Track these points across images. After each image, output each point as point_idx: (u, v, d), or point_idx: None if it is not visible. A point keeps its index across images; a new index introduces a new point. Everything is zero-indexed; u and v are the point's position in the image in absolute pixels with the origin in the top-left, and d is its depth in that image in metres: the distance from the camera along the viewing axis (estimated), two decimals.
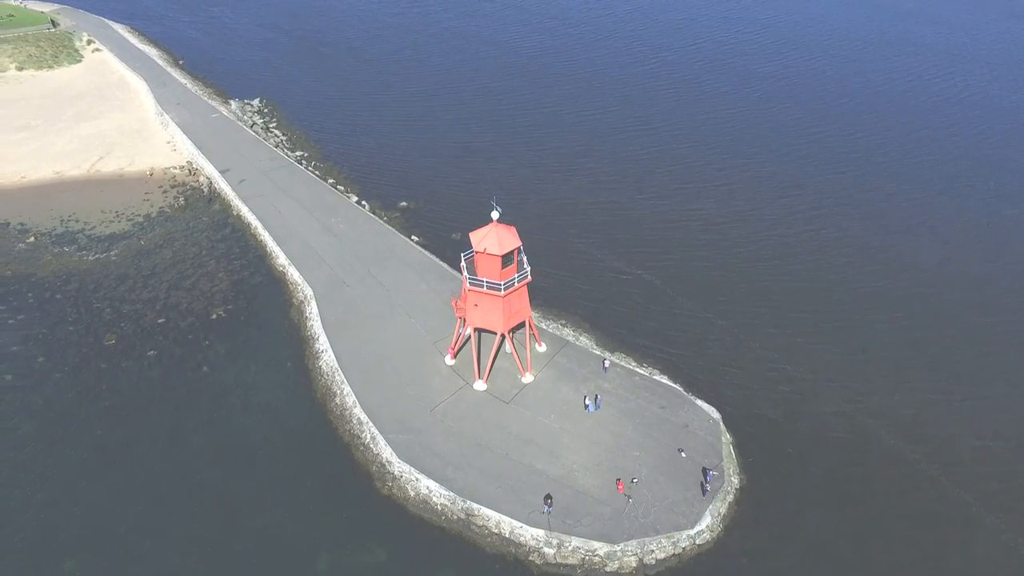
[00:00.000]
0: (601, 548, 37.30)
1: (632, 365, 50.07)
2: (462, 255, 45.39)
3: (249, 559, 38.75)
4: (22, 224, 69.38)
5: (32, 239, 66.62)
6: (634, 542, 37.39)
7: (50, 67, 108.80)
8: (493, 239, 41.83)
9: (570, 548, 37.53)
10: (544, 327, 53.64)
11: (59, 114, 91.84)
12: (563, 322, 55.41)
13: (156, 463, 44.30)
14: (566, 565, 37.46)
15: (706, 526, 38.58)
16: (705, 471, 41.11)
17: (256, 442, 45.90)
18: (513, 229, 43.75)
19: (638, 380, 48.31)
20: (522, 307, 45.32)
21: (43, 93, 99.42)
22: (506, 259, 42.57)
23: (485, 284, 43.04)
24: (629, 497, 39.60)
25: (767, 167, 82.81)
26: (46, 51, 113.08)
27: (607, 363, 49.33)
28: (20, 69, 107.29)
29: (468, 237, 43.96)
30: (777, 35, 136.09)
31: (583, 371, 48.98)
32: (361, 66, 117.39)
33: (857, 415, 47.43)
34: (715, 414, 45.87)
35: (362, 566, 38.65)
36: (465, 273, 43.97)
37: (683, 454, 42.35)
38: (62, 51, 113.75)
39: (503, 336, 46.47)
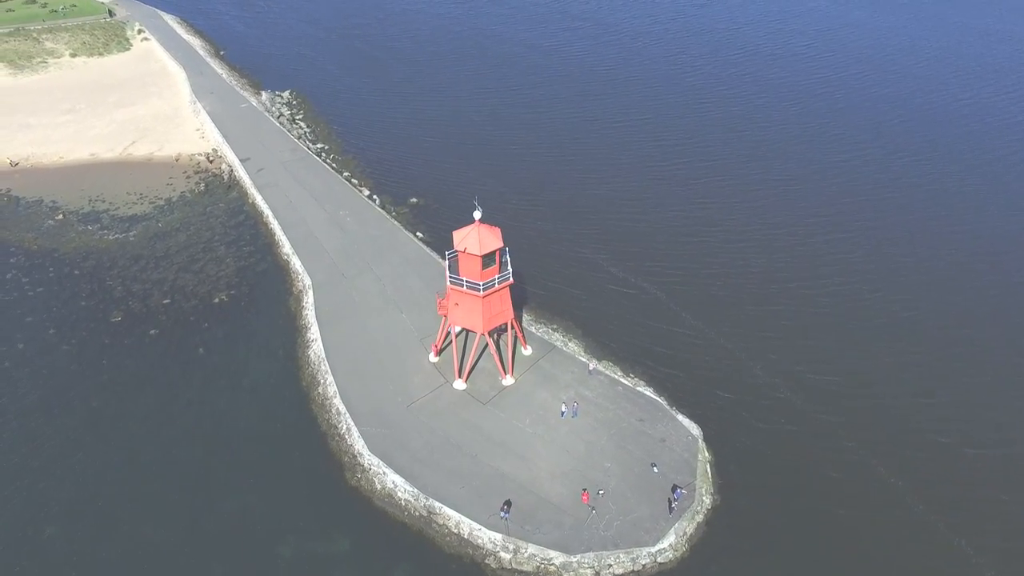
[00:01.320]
0: (557, 558, 36.74)
1: (618, 374, 49.17)
2: (446, 253, 45.49)
3: (219, 538, 39.74)
4: (54, 202, 73.16)
5: (60, 216, 70.18)
6: (592, 555, 36.68)
7: (101, 54, 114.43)
8: (474, 239, 41.74)
9: (526, 555, 37.11)
10: (533, 330, 53.25)
11: (102, 99, 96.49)
12: (555, 326, 54.88)
13: (144, 438, 45.95)
14: (521, 572, 37.02)
15: (669, 544, 37.51)
16: (675, 488, 40.02)
17: (239, 424, 47.09)
18: (497, 230, 43.56)
19: (621, 390, 47.41)
20: (503, 309, 45.07)
21: (91, 79, 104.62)
22: (487, 259, 42.39)
23: (465, 284, 43.00)
24: (593, 508, 38.87)
25: (800, 187, 77.75)
26: (99, 39, 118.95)
27: (592, 367, 48.64)
28: (73, 56, 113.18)
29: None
30: (828, 48, 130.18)
31: (566, 377, 48.38)
32: (397, 64, 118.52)
33: (853, 454, 44.08)
34: (696, 431, 44.58)
35: (324, 554, 39.13)
36: (447, 271, 44.01)
37: (655, 469, 41.30)
38: (113, 40, 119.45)
39: (490, 336, 46.39)
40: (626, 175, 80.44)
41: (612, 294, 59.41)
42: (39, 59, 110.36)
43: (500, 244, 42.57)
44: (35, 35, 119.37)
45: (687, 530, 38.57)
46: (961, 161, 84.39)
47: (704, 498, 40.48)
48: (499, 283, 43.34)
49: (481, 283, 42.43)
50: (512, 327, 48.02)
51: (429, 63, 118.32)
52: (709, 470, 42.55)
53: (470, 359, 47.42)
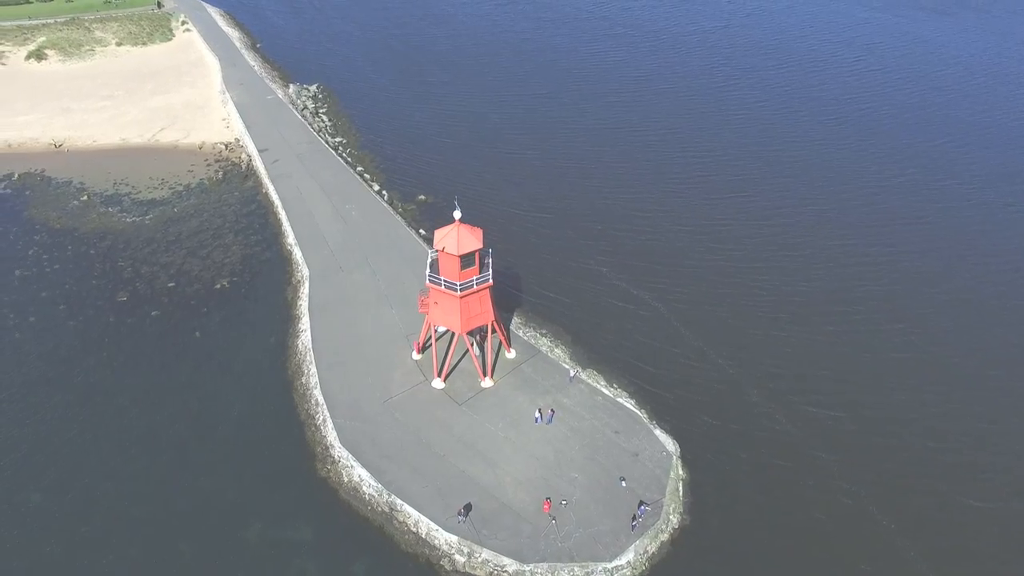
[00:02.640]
0: (511, 565, 36.33)
1: (600, 384, 48.33)
2: (429, 252, 45.54)
3: (190, 516, 40.85)
4: (81, 183, 76.47)
5: (85, 198, 73.30)
6: (545, 565, 36.14)
7: (144, 44, 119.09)
8: (453, 239, 41.66)
9: (479, 559, 36.83)
10: (520, 334, 52.82)
11: (139, 87, 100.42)
12: (544, 331, 54.30)
13: (133, 416, 47.54)
14: None
15: (627, 562, 36.64)
16: (641, 504, 39.07)
17: (224, 408, 48.25)
18: (479, 231, 43.37)
19: (600, 400, 46.59)
20: (483, 311, 44.82)
21: (132, 67, 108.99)
22: (465, 260, 42.25)
23: (443, 283, 42.97)
24: (553, 518, 38.28)
25: (831, 213, 71.96)
26: (144, 29, 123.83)
27: (572, 374, 47.95)
28: (119, 44, 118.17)
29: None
30: (880, 63, 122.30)
31: (546, 383, 47.83)
32: (430, 66, 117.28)
33: (847, 497, 41.27)
34: (672, 447, 43.45)
35: (287, 541, 39.73)
36: (428, 270, 44.06)
37: (624, 483, 40.41)
38: (157, 30, 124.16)
39: (470, 338, 46.26)
40: (644, 187, 77.38)
41: (610, 305, 57.88)
42: (87, 47, 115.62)
43: (480, 245, 42.36)
44: (87, 24, 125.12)
45: (648, 548, 37.61)
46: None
47: (671, 517, 39.40)
48: (478, 284, 43.13)
49: (459, 283, 42.33)
50: (495, 330, 47.77)
51: (462, 65, 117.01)
52: (681, 489, 41.39)
53: (448, 359, 47.35)
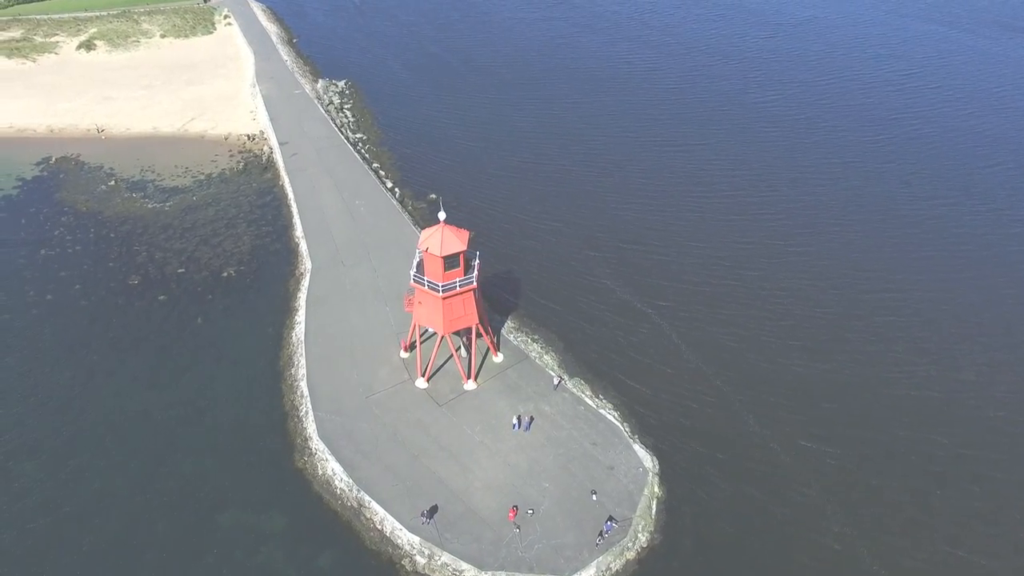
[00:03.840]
0: (468, 571, 36.11)
1: (585, 393, 47.58)
2: (417, 251, 45.66)
3: (169, 497, 42.11)
4: (111, 169, 79.73)
5: (112, 183, 76.40)
6: (503, 574, 35.76)
7: (186, 37, 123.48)
8: (436, 240, 41.66)
9: (439, 562, 36.72)
10: (511, 339, 52.48)
11: (175, 78, 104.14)
12: (536, 336, 53.81)
13: (128, 396, 49.23)
14: None
15: None
16: (609, 519, 38.25)
17: (216, 393, 49.50)
18: (465, 233, 43.27)
19: (582, 410, 45.87)
20: (467, 313, 44.67)
21: (172, 59, 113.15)
22: (449, 261, 42.19)
23: (427, 283, 43.02)
24: (518, 527, 37.85)
25: (863, 241, 66.81)
26: (188, 22, 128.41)
27: (557, 381, 47.35)
28: (163, 37, 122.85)
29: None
30: (935, 79, 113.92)
31: (530, 389, 47.39)
32: (463, 68, 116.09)
33: (837, 542, 38.89)
34: (649, 463, 42.42)
35: (259, 529, 40.45)
36: (413, 269, 44.19)
37: (595, 497, 39.67)
38: (200, 24, 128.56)
39: (452, 339, 46.23)
40: (662, 202, 73.44)
41: (610, 318, 56.00)
42: (133, 38, 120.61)
43: (463, 247, 42.23)
44: (135, 17, 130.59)
45: (611, 565, 36.80)
46: None
47: (639, 535, 38.45)
48: (461, 286, 43.02)
49: (441, 284, 42.31)
50: (481, 333, 47.59)
51: (493, 69, 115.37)
52: (654, 507, 40.33)
53: (432, 359, 47.40)
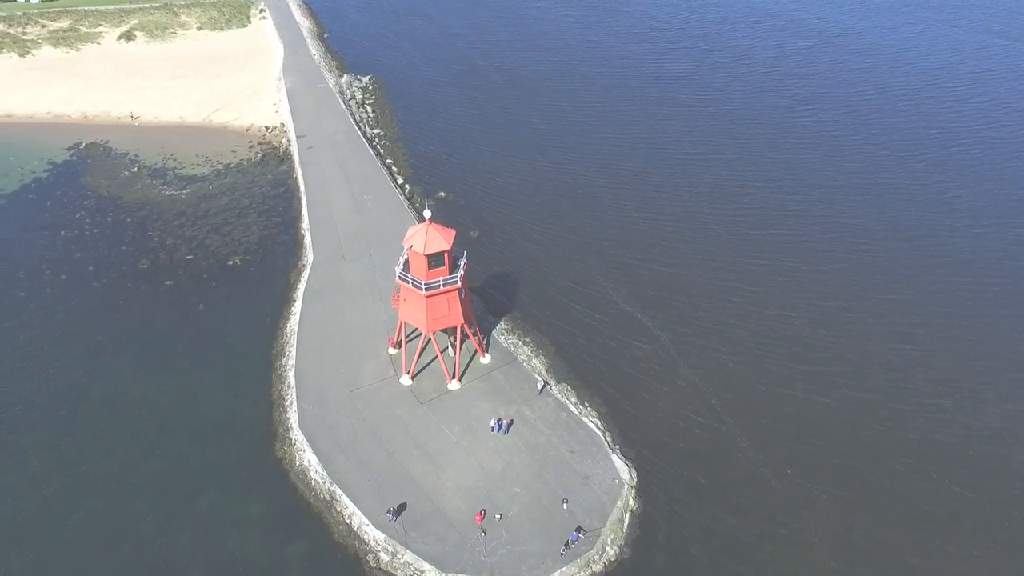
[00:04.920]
0: (429, 572, 35.95)
1: (570, 400, 46.90)
2: (405, 248, 45.69)
3: (151, 478, 43.18)
4: (136, 156, 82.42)
5: (135, 169, 78.97)
6: None
7: (221, 29, 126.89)
8: (421, 237, 41.63)
9: (402, 560, 36.68)
10: (501, 340, 52.13)
11: (206, 69, 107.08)
12: (527, 340, 53.34)
13: (126, 378, 50.70)
14: None
15: None
16: (578, 529, 37.58)
17: (210, 379, 50.59)
18: (451, 233, 43.12)
19: (564, 416, 45.22)
20: (451, 313, 44.51)
21: (205, 51, 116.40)
22: (433, 260, 42.11)
23: (411, 281, 43.03)
24: (483, 531, 37.53)
25: (887, 263, 63.07)
26: (224, 15, 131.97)
27: (542, 385, 46.79)
28: (199, 29, 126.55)
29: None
30: (984, 94, 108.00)
31: (513, 392, 46.97)
32: (487, 67, 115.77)
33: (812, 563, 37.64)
34: (626, 475, 41.52)
35: (235, 515, 41.11)
36: (398, 266, 44.25)
37: (565, 506, 39.03)
38: (235, 17, 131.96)
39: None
40: (679, 215, 70.87)
41: (607, 329, 54.49)
42: (171, 30, 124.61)
43: (448, 247, 42.09)
44: (175, 9, 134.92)
45: None
46: None
47: (608, 548, 37.65)
48: (444, 286, 42.88)
49: (424, 282, 42.27)
50: (468, 334, 47.39)
51: (521, 71, 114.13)
52: (627, 521, 39.44)
53: (417, 357, 47.42)
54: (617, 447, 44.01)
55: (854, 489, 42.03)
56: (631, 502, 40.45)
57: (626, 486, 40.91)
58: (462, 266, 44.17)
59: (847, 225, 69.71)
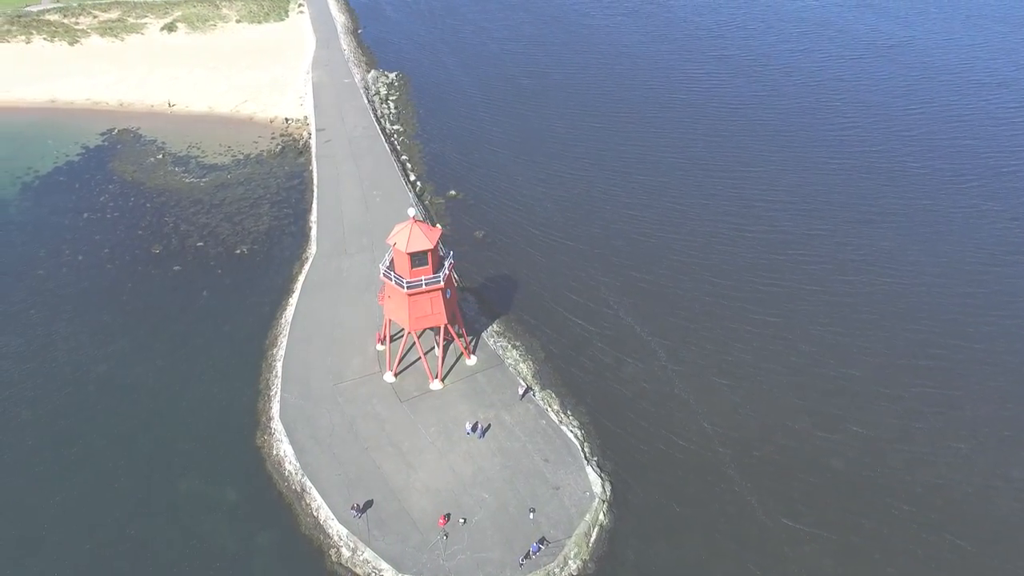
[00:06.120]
0: (387, 571, 35.88)
1: (551, 407, 46.15)
2: (389, 245, 45.70)
3: (137, 457, 44.66)
4: (163, 143, 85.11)
5: (160, 156, 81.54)
6: None
7: (259, 22, 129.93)
8: (404, 236, 41.57)
9: (361, 558, 36.71)
10: (490, 343, 51.69)
11: (239, 61, 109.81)
12: (517, 344, 52.75)
13: (128, 360, 52.47)
14: (353, 573, 36.72)
15: None
16: (542, 540, 36.88)
17: (204, 364, 51.89)
18: (436, 232, 42.94)
19: (543, 424, 44.52)
20: (434, 312, 44.32)
21: (241, 43, 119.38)
22: (416, 258, 42.00)
23: (393, 278, 43.00)
24: (446, 535, 37.22)
25: (917, 294, 58.40)
26: (263, 9, 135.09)
27: (523, 390, 46.15)
28: (238, 22, 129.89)
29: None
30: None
31: (495, 396, 46.50)
32: (516, 70, 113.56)
33: None
34: (599, 489, 40.56)
35: (211, 499, 42.04)
36: (383, 264, 44.28)
37: (532, 515, 38.36)
38: (274, 11, 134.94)
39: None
40: (691, 231, 67.39)
41: (602, 340, 52.98)
42: (211, 22, 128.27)
43: (431, 246, 41.90)
44: (217, 2, 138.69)
45: None
46: None
47: (570, 562, 36.85)
48: (427, 285, 42.70)
49: (406, 281, 42.18)
50: (452, 335, 47.13)
51: (551, 76, 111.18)
52: (594, 535, 38.52)
53: (400, 354, 47.42)
54: (594, 459, 43.09)
55: (845, 533, 39.41)
56: (601, 517, 39.52)
57: (597, 499, 39.98)
58: (447, 266, 43.93)
59: (876, 252, 64.28)
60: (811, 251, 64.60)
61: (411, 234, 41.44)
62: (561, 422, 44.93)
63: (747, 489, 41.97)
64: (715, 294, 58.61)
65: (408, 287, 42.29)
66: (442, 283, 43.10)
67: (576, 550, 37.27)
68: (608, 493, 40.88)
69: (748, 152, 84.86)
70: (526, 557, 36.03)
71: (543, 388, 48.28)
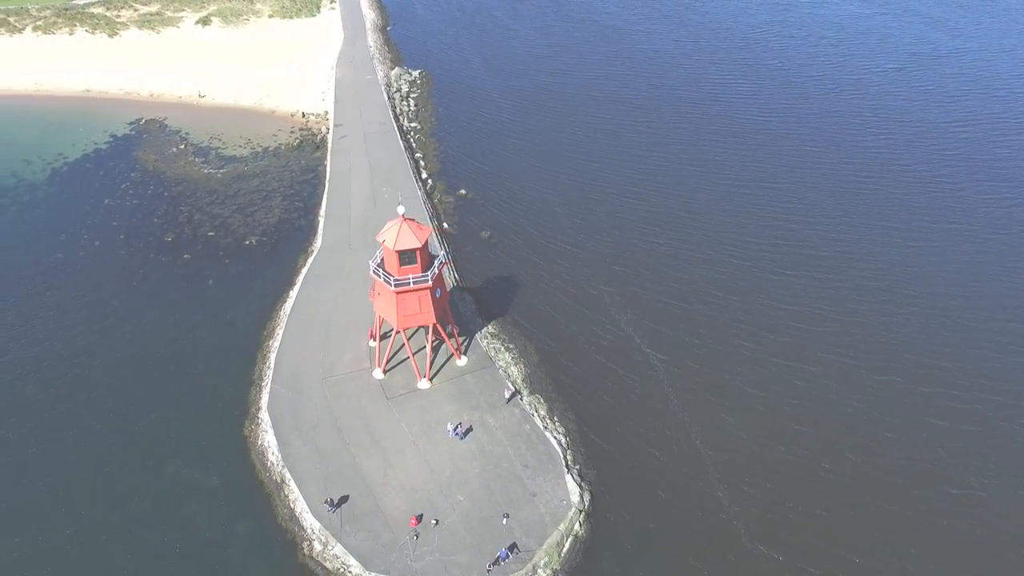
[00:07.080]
0: (355, 568, 35.92)
1: (537, 413, 45.58)
2: (379, 242, 45.75)
3: (130, 441, 45.87)
4: (186, 134, 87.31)
5: (183, 146, 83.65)
6: None
7: (291, 18, 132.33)
8: (393, 233, 41.59)
9: (331, 552, 36.83)
10: (482, 344, 51.36)
11: (267, 55, 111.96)
12: (511, 346, 52.27)
13: (131, 344, 53.96)
14: (323, 568, 36.87)
15: None
16: (512, 547, 36.40)
17: (203, 352, 53.02)
18: (426, 231, 42.86)
19: (527, 429, 44.00)
20: (423, 311, 44.21)
21: (271, 38, 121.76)
22: (404, 256, 41.97)
23: (382, 275, 43.05)
24: (417, 535, 37.06)
25: (936, 321, 55.38)
26: (295, 4, 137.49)
27: (510, 393, 45.70)
28: (270, 17, 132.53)
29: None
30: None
31: (482, 398, 46.17)
32: (540, 73, 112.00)
33: None
34: (576, 498, 39.84)
35: (195, 485, 42.85)
36: (375, 260, 44.36)
37: (505, 521, 37.91)
38: (306, 7, 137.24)
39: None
40: (710, 249, 64.39)
41: (597, 349, 51.98)
42: (244, 17, 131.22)
43: (419, 244, 41.81)
44: None
45: None
46: None
47: (539, 571, 36.27)
48: (414, 283, 42.62)
49: (393, 278, 42.18)
50: (442, 335, 46.96)
51: (576, 79, 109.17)
52: (567, 545, 37.84)
53: (388, 352, 47.47)
54: (576, 468, 42.38)
55: (831, 570, 37.36)
56: (577, 527, 38.81)
57: (574, 509, 39.27)
58: (437, 265, 43.79)
59: (902, 277, 60.62)
60: (830, 274, 60.99)
61: (400, 232, 41.43)
62: (546, 428, 44.34)
63: (734, 514, 40.50)
64: (721, 312, 56.45)
65: (396, 285, 42.30)
66: (430, 282, 42.97)
67: (547, 559, 36.69)
68: (587, 504, 40.14)
69: (773, 165, 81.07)
70: (495, 563, 35.63)
71: (532, 392, 47.75)
